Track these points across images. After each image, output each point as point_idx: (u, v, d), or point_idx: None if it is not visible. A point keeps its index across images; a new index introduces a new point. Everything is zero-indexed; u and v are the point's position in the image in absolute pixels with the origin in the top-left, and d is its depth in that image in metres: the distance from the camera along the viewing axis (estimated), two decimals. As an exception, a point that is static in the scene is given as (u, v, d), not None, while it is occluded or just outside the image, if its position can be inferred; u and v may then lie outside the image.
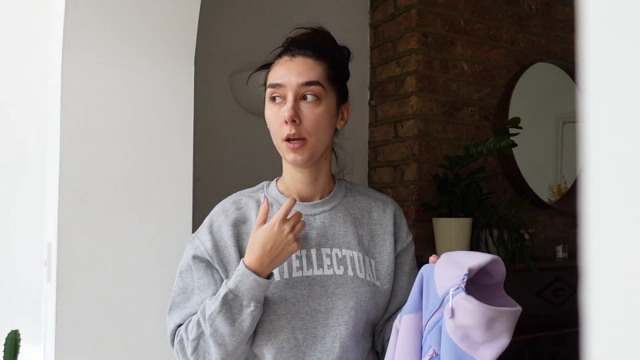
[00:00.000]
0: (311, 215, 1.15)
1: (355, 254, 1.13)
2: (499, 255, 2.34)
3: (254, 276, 1.01)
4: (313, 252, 1.12)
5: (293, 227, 1.04)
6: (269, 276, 1.05)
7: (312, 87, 1.08)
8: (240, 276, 1.02)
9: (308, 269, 1.10)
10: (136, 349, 1.49)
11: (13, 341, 1.53)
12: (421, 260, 2.56)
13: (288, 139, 1.08)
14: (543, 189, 2.77)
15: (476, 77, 2.63)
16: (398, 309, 1.16)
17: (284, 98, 1.09)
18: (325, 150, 1.15)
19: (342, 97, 1.16)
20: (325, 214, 1.15)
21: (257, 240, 1.04)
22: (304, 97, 1.09)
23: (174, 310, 1.15)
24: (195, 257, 1.13)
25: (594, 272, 0.26)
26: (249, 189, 1.23)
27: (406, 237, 1.22)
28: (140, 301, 1.51)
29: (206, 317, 1.04)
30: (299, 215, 1.07)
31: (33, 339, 1.86)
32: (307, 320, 1.08)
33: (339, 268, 1.11)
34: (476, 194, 2.40)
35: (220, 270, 1.12)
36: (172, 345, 1.14)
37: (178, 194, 1.60)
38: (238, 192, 1.22)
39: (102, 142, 1.51)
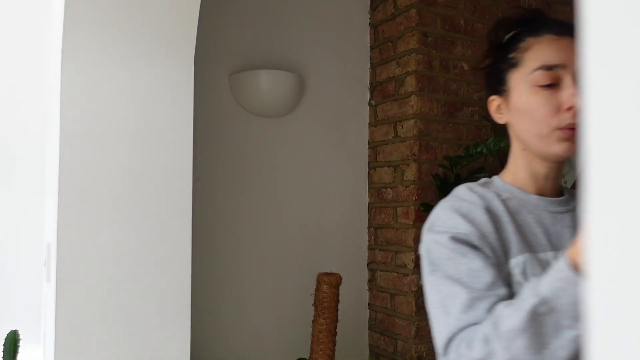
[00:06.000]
0: (560, 213, 1.02)
1: None
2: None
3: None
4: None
5: None
6: None
7: None
8: (561, 280, 0.69)
9: None
10: (135, 348, 1.49)
11: (12, 341, 1.53)
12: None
13: (564, 128, 0.93)
14: (543, 189, 2.77)
15: (476, 77, 2.63)
16: None
17: (557, 82, 0.94)
18: None
19: None
20: (572, 213, 1.03)
21: None
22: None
23: (441, 318, 0.85)
24: (454, 239, 0.88)
25: (594, 272, 0.26)
26: (471, 183, 1.05)
27: None
28: (139, 301, 1.51)
29: (501, 334, 0.73)
30: None
31: (33, 339, 1.86)
32: None
33: None
34: (476, 194, 2.40)
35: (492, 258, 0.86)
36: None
37: (178, 194, 1.60)
38: (464, 185, 1.03)
39: (102, 142, 1.51)
